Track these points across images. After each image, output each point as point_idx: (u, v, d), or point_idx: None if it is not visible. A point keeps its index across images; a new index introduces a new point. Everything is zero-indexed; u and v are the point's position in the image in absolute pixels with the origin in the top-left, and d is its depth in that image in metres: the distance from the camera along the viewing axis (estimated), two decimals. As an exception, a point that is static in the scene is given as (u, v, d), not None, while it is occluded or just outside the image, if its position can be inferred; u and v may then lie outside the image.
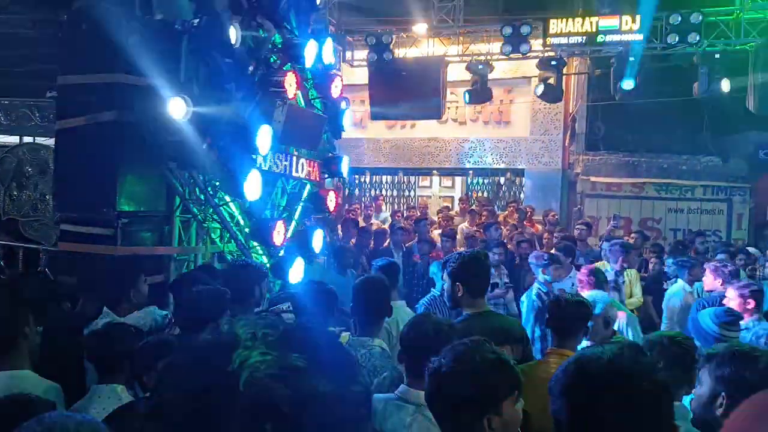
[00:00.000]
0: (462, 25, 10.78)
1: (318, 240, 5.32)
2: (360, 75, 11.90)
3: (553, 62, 9.60)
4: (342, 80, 5.77)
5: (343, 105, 5.82)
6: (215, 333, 0.79)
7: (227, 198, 4.76)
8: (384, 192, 13.00)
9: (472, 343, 1.66)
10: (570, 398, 1.25)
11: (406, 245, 7.50)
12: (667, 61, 9.97)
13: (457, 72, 10.78)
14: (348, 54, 11.67)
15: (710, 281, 4.99)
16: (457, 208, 11.76)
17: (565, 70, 10.08)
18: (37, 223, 5.17)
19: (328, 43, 5.37)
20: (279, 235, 4.66)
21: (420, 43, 11.26)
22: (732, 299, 3.89)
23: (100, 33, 4.03)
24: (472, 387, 1.56)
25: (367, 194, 13.26)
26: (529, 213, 10.00)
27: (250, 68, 4.50)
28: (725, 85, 8.87)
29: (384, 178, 13.17)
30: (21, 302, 2.81)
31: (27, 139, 7.38)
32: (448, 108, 11.22)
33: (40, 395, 1.93)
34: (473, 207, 10.20)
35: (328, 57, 5.36)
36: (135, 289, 3.55)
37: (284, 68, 4.76)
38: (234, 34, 4.18)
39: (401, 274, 5.17)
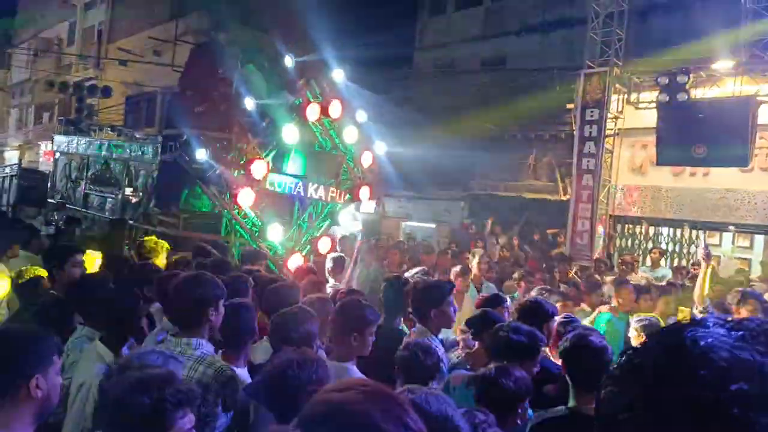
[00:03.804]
0: (782, 60, 9.23)
1: (324, 244, 6.83)
2: (645, 118, 11.08)
3: None
4: (357, 128, 7.36)
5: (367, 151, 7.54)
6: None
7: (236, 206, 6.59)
8: (663, 245, 11.69)
9: None
10: None
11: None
12: None
13: (769, 114, 9.25)
14: (633, 96, 10.97)
15: None
16: (757, 272, 9.94)
17: None
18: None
19: (335, 103, 6.99)
20: (275, 234, 6.51)
21: (722, 82, 9.98)
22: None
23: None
24: None
25: (641, 246, 12.11)
26: None
27: (264, 123, 6.76)
28: None
29: (663, 230, 11.87)
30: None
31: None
32: (756, 155, 9.65)
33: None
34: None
35: (335, 113, 7.01)
36: None
37: (288, 123, 6.63)
38: (249, 103, 6.72)
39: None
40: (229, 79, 7.04)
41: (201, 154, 6.44)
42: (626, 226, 12.35)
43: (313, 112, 6.75)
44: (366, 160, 7.41)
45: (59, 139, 12.27)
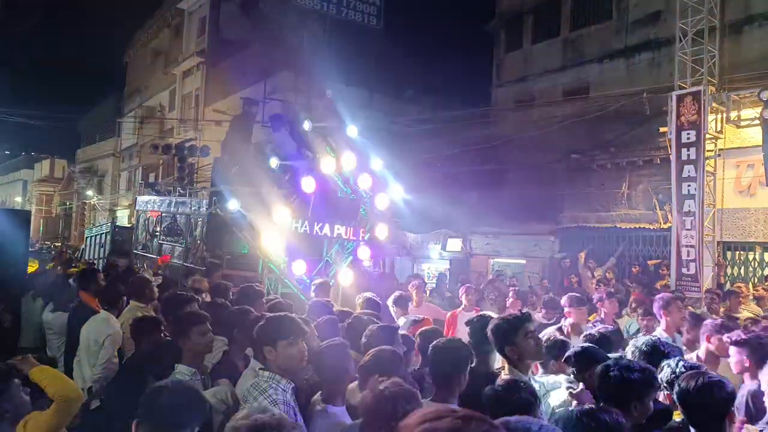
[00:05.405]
0: None
1: (344, 276, 7.71)
2: (748, 136, 10.39)
3: None
4: (370, 177, 8.08)
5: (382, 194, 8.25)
6: None
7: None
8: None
9: None
10: None
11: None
12: None
13: None
14: (733, 114, 10.31)
15: None
16: None
17: None
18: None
19: (347, 155, 7.81)
20: (298, 269, 7.22)
21: (836, 92, 9.18)
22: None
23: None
24: None
25: (756, 274, 11.12)
26: None
27: (286, 177, 7.63)
28: None
29: (782, 255, 10.87)
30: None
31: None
32: None
33: None
34: None
35: (347, 164, 7.89)
36: None
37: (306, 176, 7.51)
38: (273, 162, 7.68)
39: None
40: (258, 144, 8.25)
41: (233, 206, 7.66)
42: (737, 252, 11.43)
43: (327, 164, 7.68)
44: (381, 202, 8.19)
45: (141, 199, 13.94)
